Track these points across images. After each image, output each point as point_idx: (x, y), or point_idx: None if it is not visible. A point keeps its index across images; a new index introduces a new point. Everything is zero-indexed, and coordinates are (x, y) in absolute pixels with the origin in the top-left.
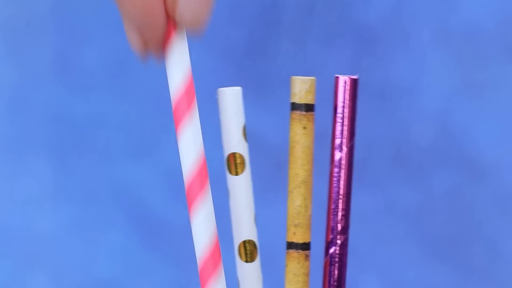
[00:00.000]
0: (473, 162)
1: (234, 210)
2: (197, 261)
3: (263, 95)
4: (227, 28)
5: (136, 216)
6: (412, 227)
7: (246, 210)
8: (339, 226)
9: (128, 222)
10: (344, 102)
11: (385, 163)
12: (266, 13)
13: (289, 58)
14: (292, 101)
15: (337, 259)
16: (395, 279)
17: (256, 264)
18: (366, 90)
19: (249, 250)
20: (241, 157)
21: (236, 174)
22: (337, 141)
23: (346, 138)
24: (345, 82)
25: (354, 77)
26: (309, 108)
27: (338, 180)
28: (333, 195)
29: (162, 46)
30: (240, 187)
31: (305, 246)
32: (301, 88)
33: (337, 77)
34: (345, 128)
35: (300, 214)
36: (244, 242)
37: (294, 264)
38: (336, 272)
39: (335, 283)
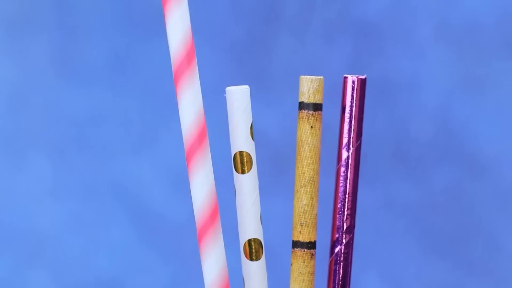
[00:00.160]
0: (473, 158)
1: (240, 209)
2: (196, 221)
3: (263, 91)
4: (228, 24)
5: (136, 212)
6: (412, 223)
7: (252, 208)
8: (345, 225)
9: (127, 218)
10: (352, 102)
11: (385, 159)
12: (266, 9)
13: (289, 53)
14: (300, 101)
15: (342, 258)
16: (395, 275)
17: (261, 263)
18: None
19: (254, 249)
20: (248, 155)
21: (243, 173)
22: (345, 141)
23: (354, 138)
24: (354, 82)
25: (362, 77)
26: (317, 107)
27: (345, 179)
28: (340, 194)
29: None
30: (247, 185)
31: (311, 245)
32: (310, 87)
33: (346, 77)
34: (353, 127)
35: (306, 213)
36: (250, 240)
37: (300, 263)
38: (341, 271)
39: (340, 282)
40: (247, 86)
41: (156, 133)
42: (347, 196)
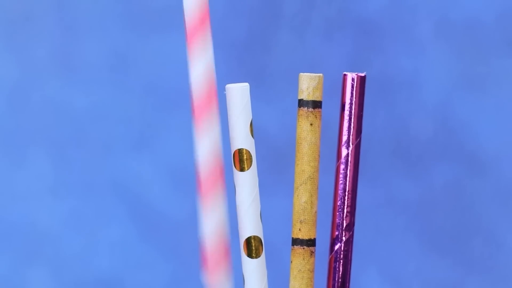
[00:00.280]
0: (473, 155)
1: (240, 206)
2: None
3: (263, 88)
4: (227, 21)
5: (136, 210)
6: (412, 221)
7: (252, 206)
8: (345, 223)
9: (127, 215)
10: (351, 99)
11: (385, 157)
12: (265, 6)
13: (289, 51)
14: (300, 98)
15: (342, 256)
16: (395, 272)
17: (261, 260)
18: (366, 83)
19: (254, 246)
20: (248, 153)
21: (243, 170)
22: (344, 138)
23: (353, 135)
24: (353, 80)
25: (362, 74)
26: (316, 105)
27: (344, 177)
28: (339, 191)
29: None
30: (246, 183)
31: (310, 243)
32: (309, 85)
33: (345, 75)
34: (352, 125)
35: (306, 210)
36: (250, 238)
37: (299, 260)
38: (341, 268)
39: (340, 280)
40: (247, 84)
41: (156, 130)
42: (346, 193)
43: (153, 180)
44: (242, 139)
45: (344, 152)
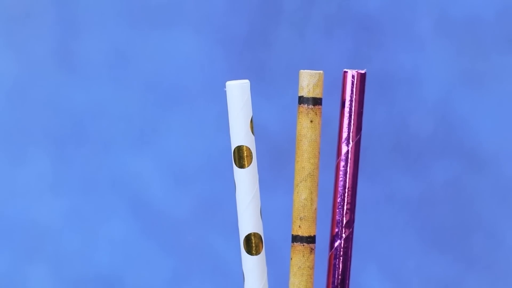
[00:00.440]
0: (473, 152)
1: (240, 203)
2: None
3: (263, 84)
4: (227, 18)
5: (136, 206)
6: (412, 217)
7: (252, 203)
8: (345, 220)
9: (127, 212)
10: (351, 96)
11: (385, 153)
12: (266, 3)
13: (289, 47)
14: (300, 95)
15: (342, 253)
16: (395, 269)
17: (261, 257)
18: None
19: (254, 243)
20: (248, 150)
21: (243, 167)
22: (344, 135)
23: (353, 132)
24: (353, 77)
25: (362, 71)
26: (316, 102)
27: (344, 174)
28: (339, 188)
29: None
30: (247, 180)
31: (310, 240)
32: (309, 82)
33: (345, 72)
34: (353, 122)
35: (306, 207)
36: (250, 235)
37: (299, 257)
38: (340, 265)
39: (340, 277)
40: (247, 81)
41: (157, 127)
42: (346, 190)
43: (153, 177)
44: (242, 136)
45: (344, 149)
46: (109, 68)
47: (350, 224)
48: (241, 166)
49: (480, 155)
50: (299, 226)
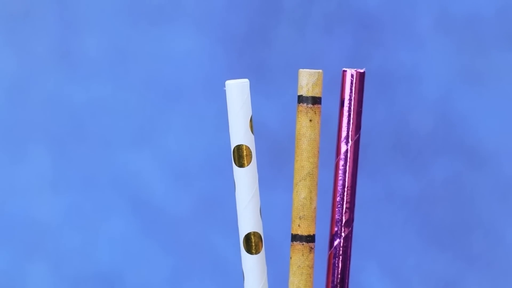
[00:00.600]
0: (473, 150)
1: (240, 202)
2: None
3: (263, 82)
4: (227, 16)
5: (136, 204)
6: (412, 215)
7: (252, 202)
8: (344, 219)
9: (128, 210)
10: (351, 95)
11: (385, 151)
12: (266, 1)
13: (288, 45)
14: (299, 94)
15: (341, 252)
16: (395, 267)
17: (261, 256)
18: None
19: (254, 242)
20: (248, 149)
21: (242, 166)
22: (343, 134)
23: (352, 131)
24: (352, 76)
25: (361, 70)
26: (315, 101)
27: (344, 173)
28: (339, 187)
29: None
30: (246, 179)
31: (310, 239)
32: (309, 81)
33: (345, 71)
34: (352, 121)
35: (305, 206)
36: (250, 234)
37: (299, 256)
38: (340, 264)
39: (339, 276)
40: (246, 80)
41: (157, 125)
42: (346, 189)
43: (153, 175)
44: (241, 136)
45: (343, 148)
46: (109, 66)
47: (349, 223)
48: (240, 165)
49: (480, 152)
50: (299, 225)
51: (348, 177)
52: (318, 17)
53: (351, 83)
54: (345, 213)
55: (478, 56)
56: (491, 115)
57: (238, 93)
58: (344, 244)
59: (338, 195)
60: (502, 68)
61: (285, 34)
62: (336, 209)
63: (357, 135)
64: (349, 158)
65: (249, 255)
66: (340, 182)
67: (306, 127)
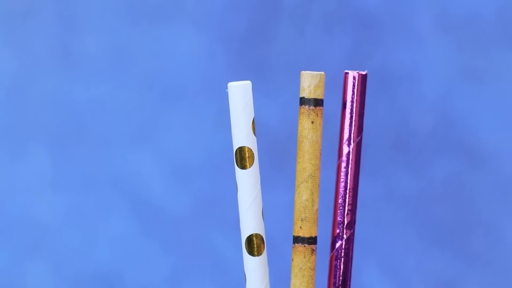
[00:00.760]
0: (473, 149)
1: (242, 204)
2: None
3: (263, 82)
4: (227, 15)
5: (136, 203)
6: (412, 214)
7: (254, 203)
8: (346, 221)
9: (127, 209)
10: (353, 98)
11: (385, 150)
12: (265, 0)
13: (288, 44)
14: (301, 96)
15: (343, 254)
16: (395, 266)
17: (263, 258)
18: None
19: (256, 244)
20: (250, 151)
21: (244, 168)
22: (345, 136)
23: (354, 133)
24: (354, 78)
25: (363, 72)
26: (317, 103)
27: (346, 175)
28: (340, 189)
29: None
30: (248, 180)
31: (311, 240)
32: (311, 83)
33: (347, 73)
34: (354, 123)
35: (307, 208)
36: (251, 235)
37: (300, 258)
38: (342, 266)
39: (341, 278)
40: (249, 82)
41: (156, 125)
42: (348, 191)
43: (153, 175)
44: (243, 137)
45: (345, 150)
46: (108, 65)
47: (351, 225)
48: (243, 167)
49: (480, 152)
50: (300, 227)
51: (350, 179)
52: (318, 17)
53: (353, 85)
54: (347, 215)
55: (478, 56)
56: (491, 114)
57: (240, 94)
58: (346, 246)
59: (340, 197)
60: (502, 68)
61: (285, 34)
62: (338, 211)
63: (359, 137)
64: (351, 160)
65: (251, 256)
66: (342, 184)
67: (308, 129)
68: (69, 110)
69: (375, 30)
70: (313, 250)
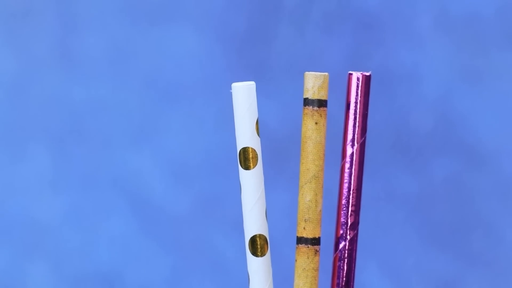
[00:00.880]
0: (473, 149)
1: (245, 204)
2: None
3: (263, 82)
4: (227, 15)
5: (136, 203)
6: (411, 214)
7: (257, 204)
8: (349, 222)
9: (127, 209)
10: (356, 99)
11: (385, 150)
12: (265, 0)
13: (289, 44)
14: (305, 97)
15: (346, 255)
16: (395, 266)
17: (266, 259)
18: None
19: (259, 245)
20: (254, 151)
21: (248, 169)
22: (349, 137)
23: (358, 134)
24: (358, 79)
25: (367, 73)
26: (321, 103)
27: (349, 176)
28: (344, 190)
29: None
30: (252, 181)
31: (315, 241)
32: (314, 83)
33: (350, 74)
34: (357, 124)
35: (311, 209)
36: (255, 236)
37: (304, 259)
38: (345, 267)
39: (344, 278)
40: (253, 82)
41: (156, 125)
42: (351, 192)
43: (153, 174)
44: (247, 138)
45: (349, 151)
46: (108, 65)
47: (354, 226)
48: (246, 167)
49: (480, 152)
50: (304, 228)
51: (353, 180)
52: (318, 17)
53: (357, 86)
54: (350, 216)
55: (478, 56)
56: (491, 114)
57: (244, 95)
58: (349, 247)
59: (343, 197)
60: (502, 68)
61: (285, 34)
62: (342, 212)
63: (363, 138)
64: (355, 161)
65: (255, 257)
66: (345, 185)
67: (311, 130)
68: (69, 110)
69: (375, 30)
70: (316, 251)
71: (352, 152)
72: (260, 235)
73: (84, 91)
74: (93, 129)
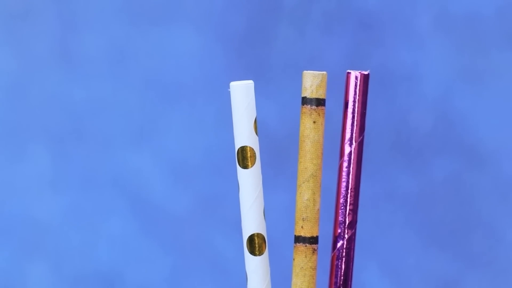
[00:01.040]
0: (473, 149)
1: (244, 203)
2: None
3: (263, 82)
4: (227, 15)
5: (136, 203)
6: (411, 214)
7: (255, 203)
8: (347, 221)
9: (127, 209)
10: (355, 97)
11: (385, 150)
12: (265, 0)
13: (289, 44)
14: (303, 96)
15: (344, 253)
16: (395, 266)
17: (264, 258)
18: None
19: (257, 244)
20: (252, 150)
21: (246, 168)
22: (347, 136)
23: (356, 133)
24: (357, 78)
25: (365, 72)
26: (319, 102)
27: (347, 175)
28: (342, 189)
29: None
30: (250, 180)
31: (313, 240)
32: (313, 82)
33: (349, 73)
34: (356, 123)
35: (308, 208)
36: (253, 235)
37: (302, 258)
38: (343, 266)
39: (342, 277)
40: (251, 81)
41: (156, 125)
42: (349, 191)
43: (153, 174)
44: (245, 137)
45: (347, 149)
46: (108, 65)
47: (352, 225)
48: (244, 166)
49: (480, 151)
50: (302, 227)
51: (351, 179)
52: (318, 16)
53: (355, 85)
54: (348, 214)
55: (478, 56)
56: (491, 114)
57: (242, 94)
58: (347, 246)
59: (341, 196)
60: (502, 68)
61: (285, 34)
62: (340, 211)
63: (361, 137)
64: (353, 159)
65: (253, 256)
66: (343, 184)
67: (310, 129)
68: (69, 110)
69: (375, 30)
70: (314, 250)
71: (350, 151)
72: (258, 234)
73: (84, 91)
74: (93, 129)
